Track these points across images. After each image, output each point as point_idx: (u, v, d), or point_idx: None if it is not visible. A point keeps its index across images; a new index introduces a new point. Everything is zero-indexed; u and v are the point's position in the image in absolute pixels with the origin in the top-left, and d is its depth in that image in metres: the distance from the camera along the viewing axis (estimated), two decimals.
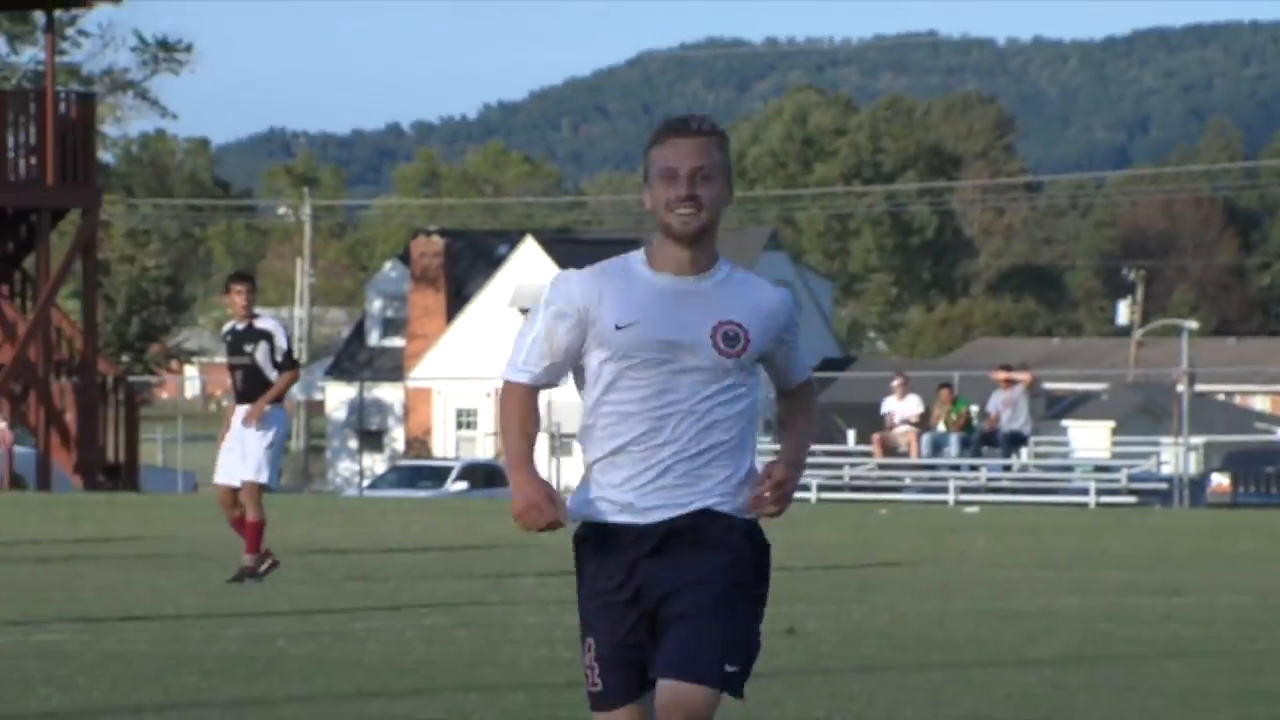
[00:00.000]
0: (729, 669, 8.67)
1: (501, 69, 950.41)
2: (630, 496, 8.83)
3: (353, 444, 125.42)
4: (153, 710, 16.81)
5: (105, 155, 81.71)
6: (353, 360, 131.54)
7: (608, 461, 8.87)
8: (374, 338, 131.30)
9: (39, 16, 77.10)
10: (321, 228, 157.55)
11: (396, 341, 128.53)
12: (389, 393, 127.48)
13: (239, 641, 21.93)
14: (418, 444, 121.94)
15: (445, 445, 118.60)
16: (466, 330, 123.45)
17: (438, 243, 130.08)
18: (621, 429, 8.81)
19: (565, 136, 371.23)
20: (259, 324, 28.21)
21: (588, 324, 8.76)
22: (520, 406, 8.86)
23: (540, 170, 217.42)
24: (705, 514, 8.82)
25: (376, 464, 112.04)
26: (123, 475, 65.77)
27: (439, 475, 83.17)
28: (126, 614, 24.81)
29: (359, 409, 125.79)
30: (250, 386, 28.15)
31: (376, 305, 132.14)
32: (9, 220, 67.35)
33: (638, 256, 8.89)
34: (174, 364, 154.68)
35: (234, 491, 28.41)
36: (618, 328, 8.72)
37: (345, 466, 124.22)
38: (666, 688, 8.59)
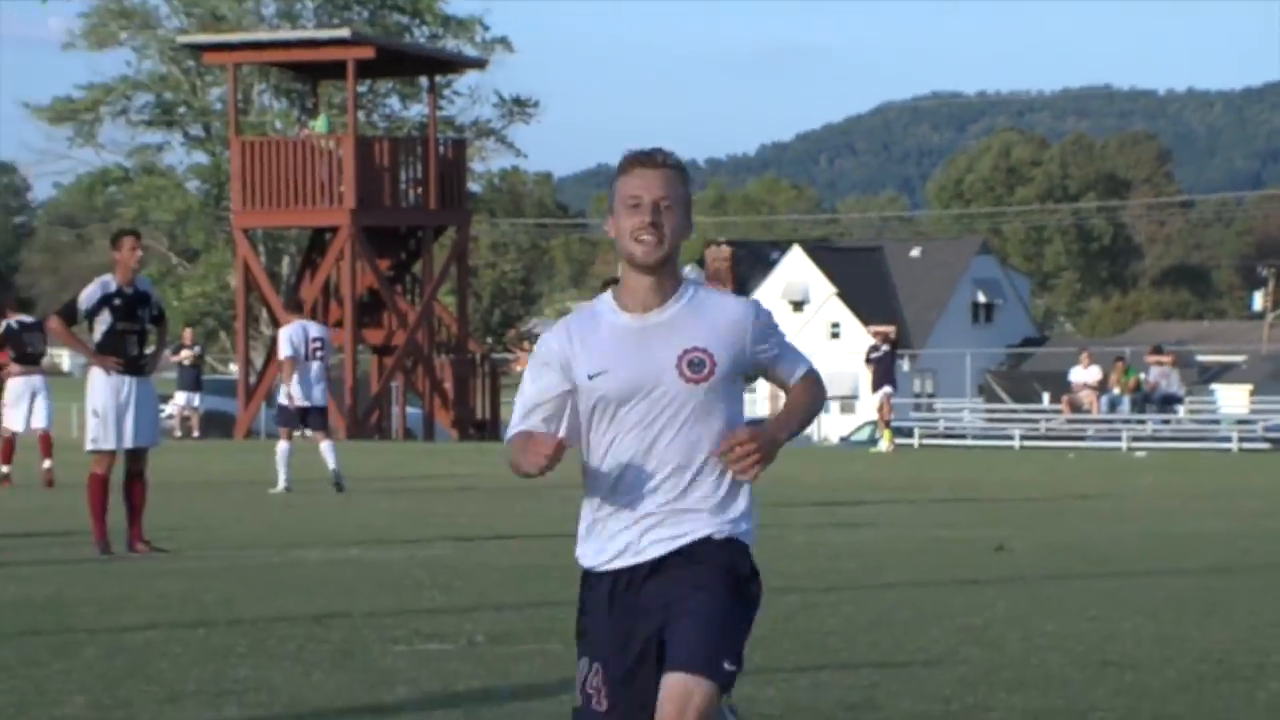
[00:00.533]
0: (728, 667, 7.38)
1: (773, 116, 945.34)
2: (628, 537, 7.55)
3: None
4: (513, 608, 16.80)
5: (473, 186, 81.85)
6: None
7: (604, 502, 7.56)
8: None
9: (424, 81, 77.61)
10: None
11: None
12: None
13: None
14: None
15: None
16: None
17: (726, 250, 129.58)
18: (612, 466, 7.48)
19: (823, 168, 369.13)
20: None
21: (567, 370, 7.52)
22: (513, 445, 7.61)
23: (804, 194, 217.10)
24: (700, 541, 7.53)
25: None
26: (488, 429, 65.99)
27: None
28: (494, 534, 24.88)
29: None
30: None
31: None
32: (401, 236, 68.00)
33: (607, 300, 7.60)
34: (525, 344, 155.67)
35: None
36: (590, 378, 7.44)
37: None
38: (674, 679, 7.32)
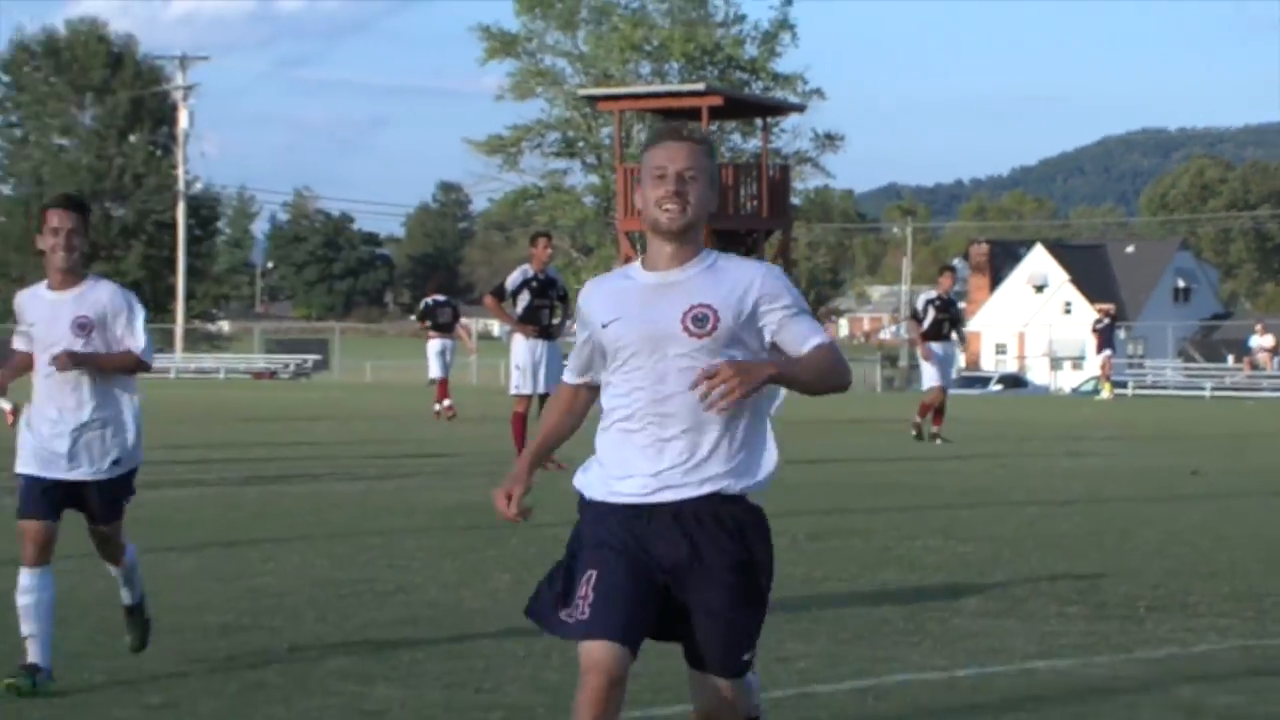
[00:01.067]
0: (746, 657, 5.96)
1: (1021, 145, 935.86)
2: (634, 482, 5.97)
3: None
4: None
5: (795, 199, 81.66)
6: None
7: (614, 444, 6.03)
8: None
9: (758, 121, 77.73)
10: (917, 240, 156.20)
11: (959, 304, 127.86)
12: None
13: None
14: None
15: (988, 364, 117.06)
16: (1000, 300, 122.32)
17: (985, 247, 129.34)
18: (625, 416, 5.99)
19: (1059, 185, 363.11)
20: None
21: (590, 322, 6.13)
22: (558, 403, 6.35)
23: (1044, 205, 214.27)
24: (713, 498, 5.93)
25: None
26: None
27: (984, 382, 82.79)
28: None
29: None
30: None
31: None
32: (741, 236, 67.93)
33: (636, 264, 6.15)
34: (832, 319, 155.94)
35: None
36: (603, 325, 6.04)
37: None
38: (708, 681, 5.95)
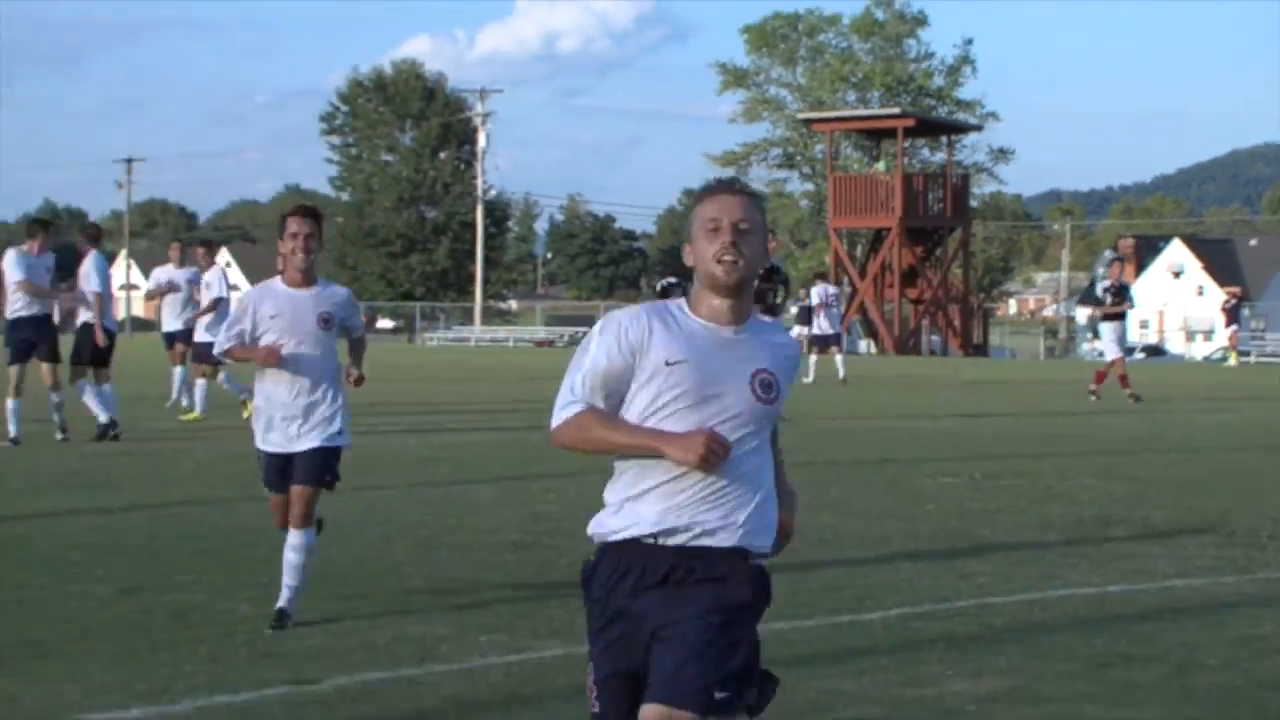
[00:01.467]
0: (719, 695, 4.45)
1: (1161, 155, 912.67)
2: (651, 525, 4.53)
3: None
4: None
5: (973, 203, 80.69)
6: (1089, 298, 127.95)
7: (637, 498, 4.58)
8: (1098, 290, 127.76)
9: (943, 139, 76.88)
10: (1074, 236, 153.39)
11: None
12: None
13: None
14: None
15: (1133, 337, 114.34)
16: (1143, 284, 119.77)
17: (1131, 240, 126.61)
18: (655, 471, 4.55)
19: (1193, 189, 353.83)
20: None
21: (639, 355, 4.58)
22: (584, 419, 4.64)
23: (1181, 205, 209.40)
24: (721, 550, 4.54)
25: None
26: (980, 350, 65.58)
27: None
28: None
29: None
30: None
31: (1099, 271, 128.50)
32: (928, 233, 67.46)
33: (680, 304, 4.68)
34: (1003, 300, 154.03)
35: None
36: (668, 363, 4.54)
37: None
38: (651, 710, 4.47)
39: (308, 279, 8.02)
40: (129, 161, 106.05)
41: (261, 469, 8.06)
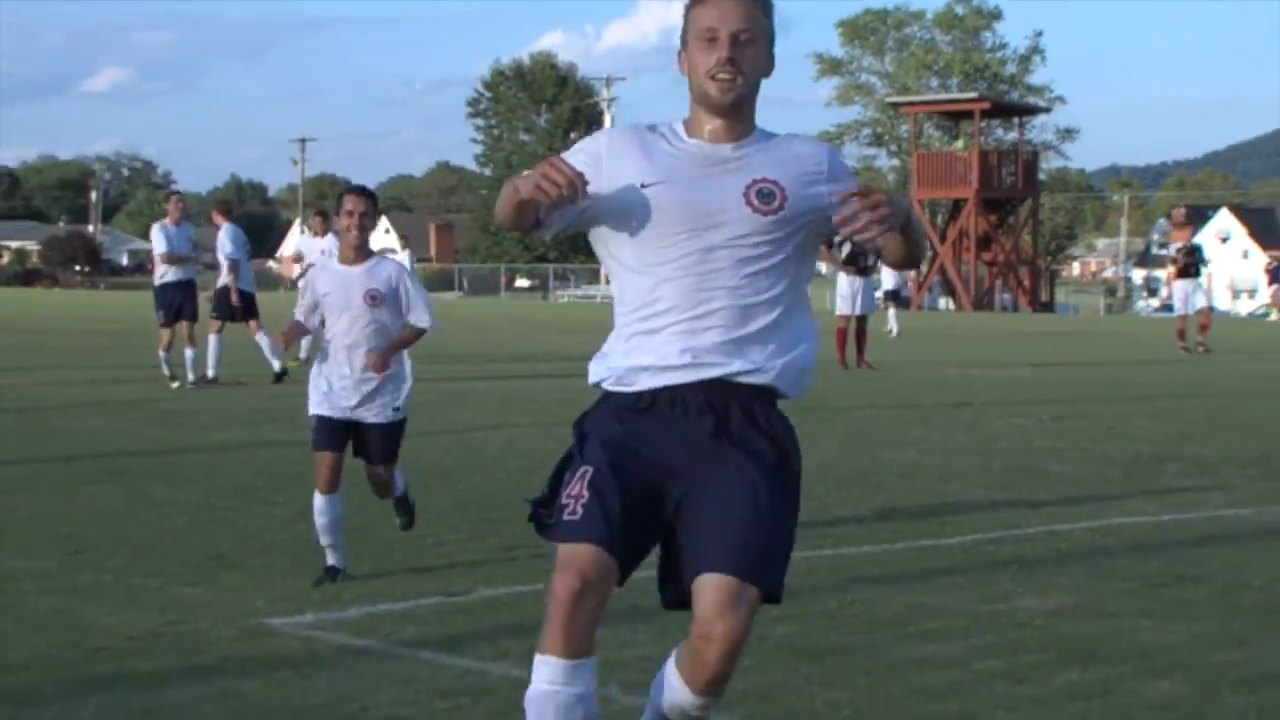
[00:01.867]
0: (773, 575, 3.45)
1: (1211, 134, 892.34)
2: (665, 363, 3.53)
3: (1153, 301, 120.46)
4: None
5: (1041, 176, 79.73)
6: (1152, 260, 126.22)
7: (640, 339, 3.60)
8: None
9: (1016, 120, 75.90)
10: (1131, 206, 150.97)
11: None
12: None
13: None
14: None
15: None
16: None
17: (1183, 209, 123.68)
18: (655, 309, 3.56)
19: (1239, 164, 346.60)
20: None
21: (614, 177, 3.51)
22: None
23: (1228, 179, 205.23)
24: (745, 390, 3.50)
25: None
26: (1047, 307, 64.75)
27: None
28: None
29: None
30: None
31: (1155, 238, 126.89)
32: (1002, 203, 66.89)
33: (674, 124, 3.60)
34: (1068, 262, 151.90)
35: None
36: (643, 185, 3.49)
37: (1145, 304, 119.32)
38: (718, 583, 3.38)
39: (360, 256, 7.19)
40: (303, 141, 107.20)
41: (312, 430, 7.20)
